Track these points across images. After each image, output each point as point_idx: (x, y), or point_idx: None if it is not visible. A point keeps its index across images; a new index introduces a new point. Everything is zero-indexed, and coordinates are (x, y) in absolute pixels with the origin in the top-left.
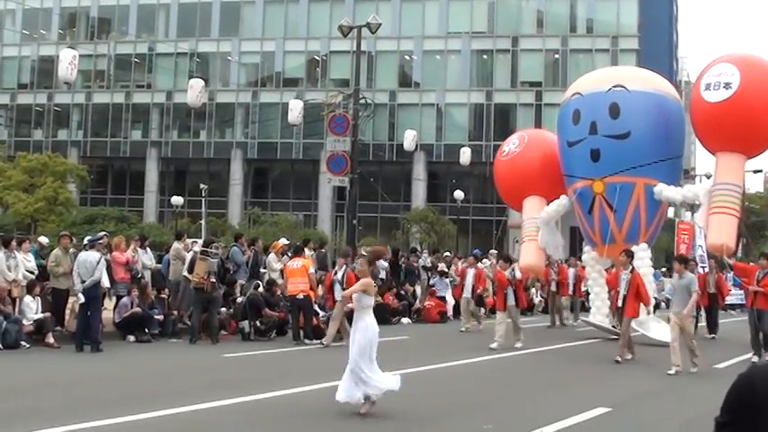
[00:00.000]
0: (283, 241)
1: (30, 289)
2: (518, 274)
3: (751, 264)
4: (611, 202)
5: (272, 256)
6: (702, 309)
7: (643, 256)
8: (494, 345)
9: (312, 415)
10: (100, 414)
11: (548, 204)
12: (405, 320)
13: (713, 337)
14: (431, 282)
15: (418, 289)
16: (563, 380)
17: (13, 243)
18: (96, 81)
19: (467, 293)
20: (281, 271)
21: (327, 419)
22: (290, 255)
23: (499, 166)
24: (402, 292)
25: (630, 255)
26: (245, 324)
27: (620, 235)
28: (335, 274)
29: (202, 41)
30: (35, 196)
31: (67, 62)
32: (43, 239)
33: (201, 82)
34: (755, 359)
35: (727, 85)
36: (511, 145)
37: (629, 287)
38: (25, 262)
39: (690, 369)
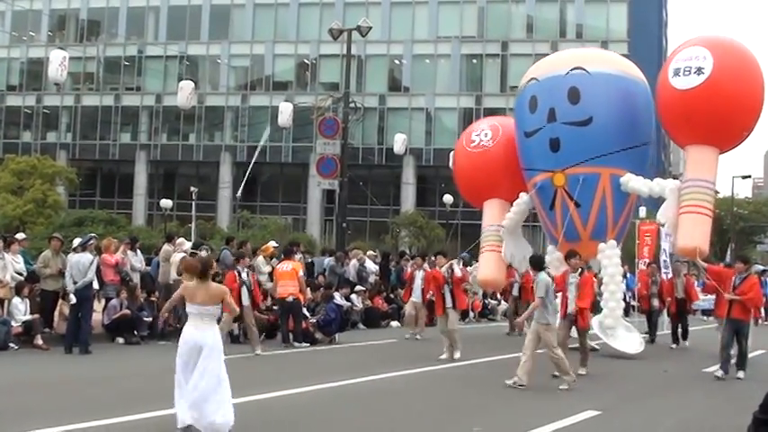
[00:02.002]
0: (273, 245)
1: (18, 290)
2: (457, 272)
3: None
4: (574, 195)
5: (260, 258)
6: (668, 316)
7: (611, 255)
8: (444, 356)
9: (299, 417)
10: (88, 416)
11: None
12: (394, 324)
13: (685, 345)
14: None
15: None
16: (549, 383)
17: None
18: (85, 83)
19: (415, 297)
20: (270, 274)
21: (314, 422)
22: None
23: (465, 157)
24: (392, 296)
25: (575, 254)
26: (235, 326)
27: (586, 232)
28: (240, 275)
29: (192, 44)
30: (24, 199)
31: (57, 63)
32: (20, 235)
33: (192, 84)
34: (720, 373)
35: (699, 71)
36: (482, 136)
37: (581, 291)
38: (14, 263)
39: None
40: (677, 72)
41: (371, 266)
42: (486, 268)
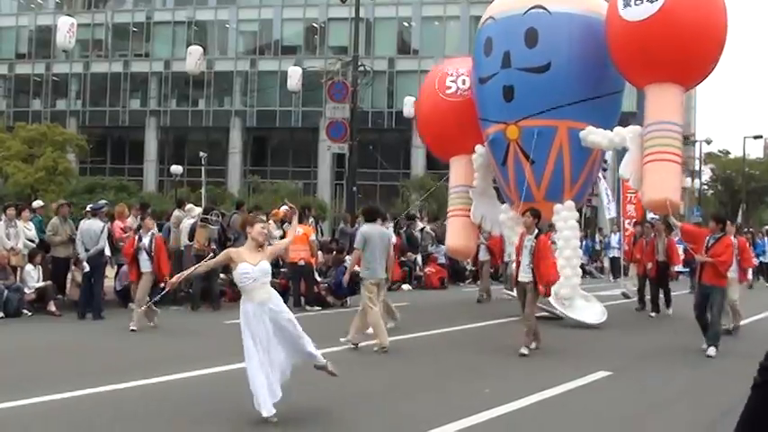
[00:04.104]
0: (285, 208)
1: (31, 258)
2: (393, 238)
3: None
4: (528, 150)
5: (271, 223)
6: (648, 281)
7: (567, 217)
8: (390, 323)
9: (313, 378)
10: (103, 380)
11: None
12: (405, 287)
13: (668, 313)
14: (429, 249)
15: (419, 256)
16: (560, 346)
17: (12, 211)
18: (94, 50)
19: None
20: (281, 238)
21: (323, 383)
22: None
23: (437, 104)
24: (403, 259)
25: (536, 214)
26: None
27: (540, 191)
28: (140, 239)
29: (200, 9)
30: (35, 166)
31: (66, 30)
32: (37, 203)
33: (200, 49)
34: (711, 349)
35: None
36: (459, 83)
37: (534, 257)
38: (26, 231)
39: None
40: (627, 2)
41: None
42: (454, 236)
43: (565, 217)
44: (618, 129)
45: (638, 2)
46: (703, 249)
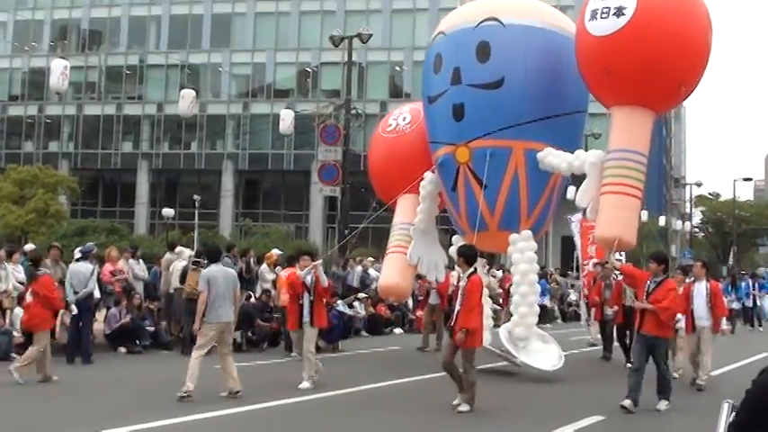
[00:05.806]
0: (276, 252)
1: (20, 301)
2: (323, 281)
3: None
4: (480, 174)
5: (263, 266)
6: (615, 328)
7: (524, 248)
8: (304, 384)
9: (305, 426)
10: (92, 425)
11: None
12: (397, 330)
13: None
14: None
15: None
16: (546, 393)
17: (2, 253)
18: (87, 93)
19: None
20: (274, 282)
21: (316, 428)
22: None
23: (378, 144)
24: (395, 303)
25: (467, 249)
26: (237, 335)
27: (493, 220)
28: None
29: (193, 53)
30: (26, 208)
31: (59, 72)
32: (29, 246)
33: (193, 92)
34: (628, 403)
35: (618, 11)
36: (400, 120)
37: (464, 300)
38: (15, 273)
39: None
40: (594, 14)
41: (375, 273)
42: (388, 273)
43: (521, 248)
44: (579, 152)
45: (604, 14)
46: (644, 294)
